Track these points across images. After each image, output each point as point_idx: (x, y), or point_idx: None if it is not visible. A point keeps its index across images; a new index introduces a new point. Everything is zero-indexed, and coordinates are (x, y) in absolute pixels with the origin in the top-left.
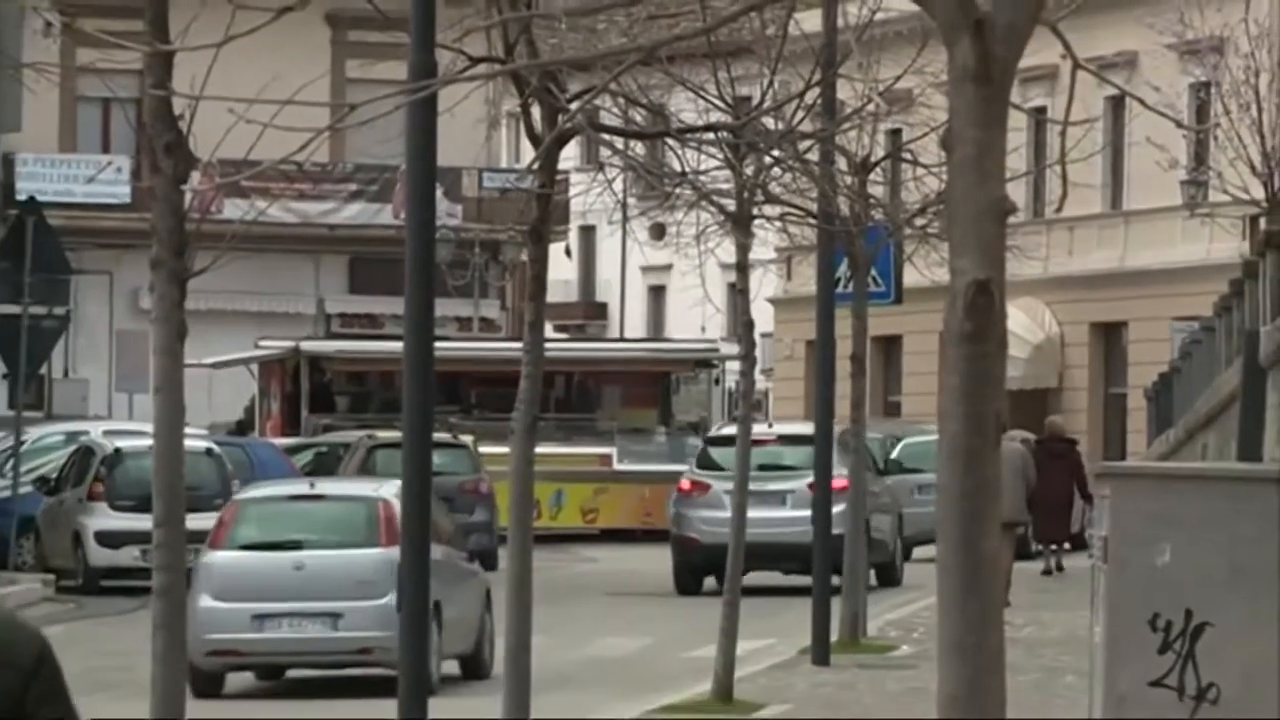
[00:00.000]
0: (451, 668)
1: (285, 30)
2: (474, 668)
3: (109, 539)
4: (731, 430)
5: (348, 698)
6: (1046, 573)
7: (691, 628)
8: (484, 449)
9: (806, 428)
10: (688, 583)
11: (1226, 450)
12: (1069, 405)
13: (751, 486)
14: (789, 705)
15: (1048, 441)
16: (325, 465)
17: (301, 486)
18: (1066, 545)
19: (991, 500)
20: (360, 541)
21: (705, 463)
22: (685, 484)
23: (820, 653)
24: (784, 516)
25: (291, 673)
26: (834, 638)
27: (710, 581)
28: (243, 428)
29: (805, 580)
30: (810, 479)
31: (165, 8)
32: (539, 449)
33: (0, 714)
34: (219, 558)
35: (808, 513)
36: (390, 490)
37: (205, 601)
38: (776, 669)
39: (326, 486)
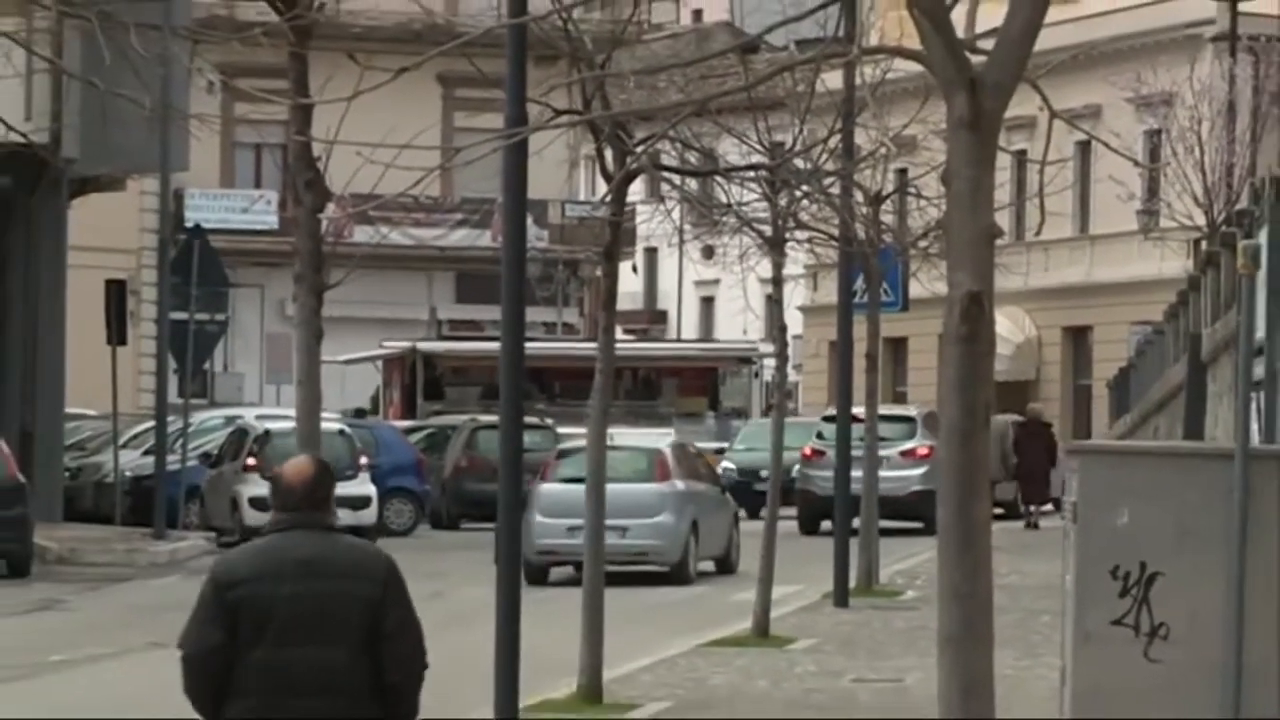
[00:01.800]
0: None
1: (403, 87)
2: (725, 566)
3: (260, 503)
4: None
5: (632, 585)
6: (1028, 527)
7: (736, 579)
8: (564, 430)
9: (895, 409)
10: (810, 525)
11: (1174, 431)
12: (1045, 394)
13: (855, 453)
14: (816, 639)
15: (1029, 424)
16: (436, 444)
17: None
18: (1048, 506)
19: (983, 473)
20: (643, 478)
21: (820, 435)
22: (808, 450)
23: (841, 596)
24: (881, 477)
25: None
26: (852, 585)
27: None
28: (360, 413)
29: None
30: (900, 447)
31: (305, 70)
32: (610, 430)
33: (366, 611)
34: (546, 488)
35: (899, 472)
36: (665, 443)
37: (536, 518)
38: (804, 610)
39: (622, 439)
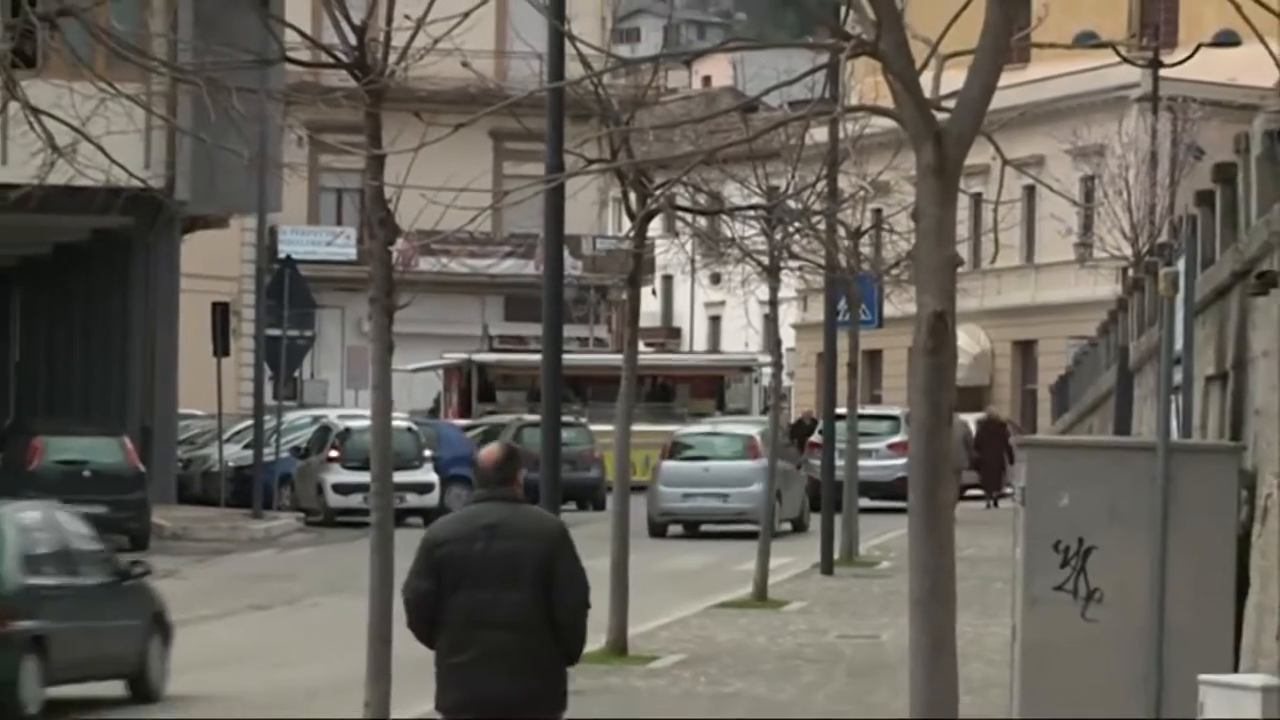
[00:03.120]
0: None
1: (460, 140)
2: (799, 526)
3: (341, 489)
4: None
5: (727, 540)
6: (987, 508)
7: (739, 551)
8: (596, 427)
9: (882, 409)
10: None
11: (1106, 428)
12: (997, 398)
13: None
14: (806, 602)
15: (989, 423)
16: (488, 439)
17: (708, 427)
18: (1008, 490)
19: (946, 462)
20: (739, 456)
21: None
22: (811, 444)
23: (827, 566)
24: (871, 465)
25: (703, 527)
26: (836, 556)
27: None
28: (412, 414)
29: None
30: (888, 441)
31: (379, 126)
32: (634, 427)
33: (540, 563)
34: (667, 464)
35: (886, 462)
36: (756, 430)
37: (660, 487)
38: (797, 578)
39: (722, 427)
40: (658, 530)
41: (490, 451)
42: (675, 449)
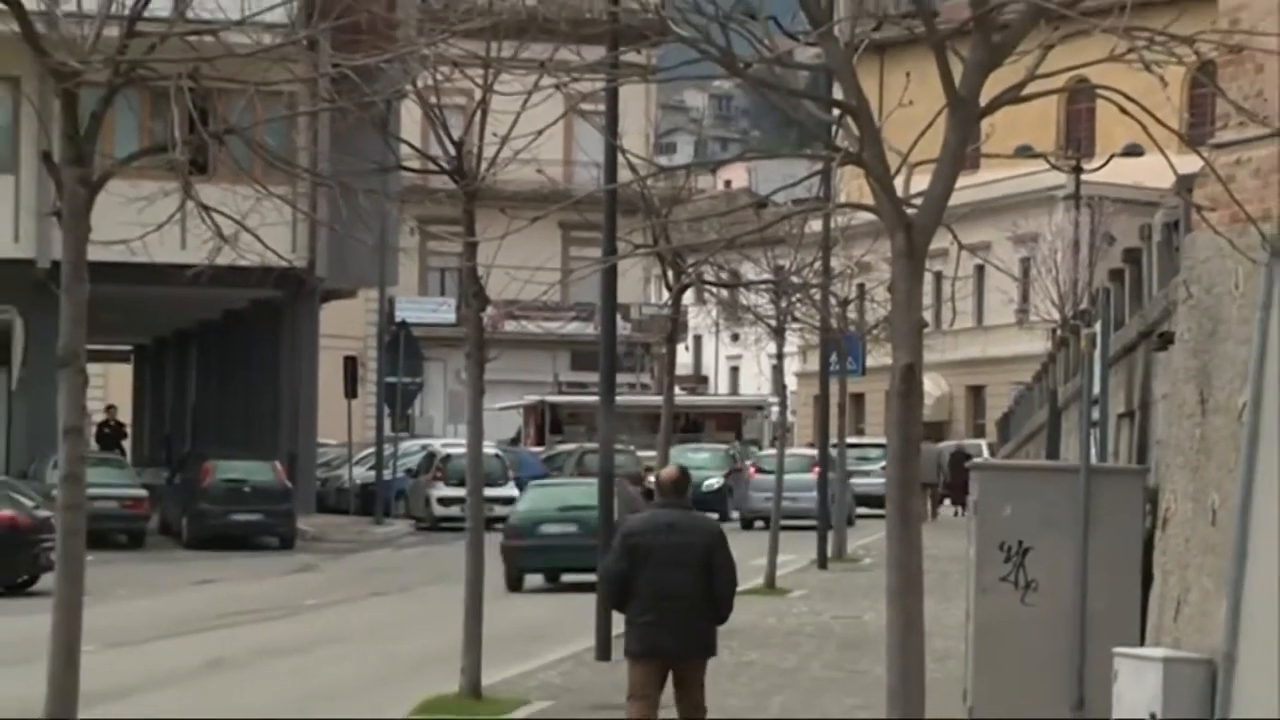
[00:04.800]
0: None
1: (536, 230)
2: (849, 522)
3: (444, 501)
4: (856, 439)
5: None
6: (955, 515)
7: (748, 550)
8: (642, 453)
9: (879, 439)
10: None
11: (1040, 454)
12: (955, 431)
13: (852, 466)
14: (806, 590)
15: (958, 453)
16: (557, 463)
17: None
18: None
19: (915, 481)
20: (804, 470)
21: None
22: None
23: (821, 562)
24: (868, 482)
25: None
26: (829, 555)
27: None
28: (498, 444)
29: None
30: (882, 463)
31: (473, 219)
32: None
33: (703, 552)
34: (753, 478)
35: (879, 480)
36: (814, 452)
37: (750, 493)
38: (798, 571)
39: (791, 450)
40: (747, 524)
41: (670, 472)
42: (758, 466)
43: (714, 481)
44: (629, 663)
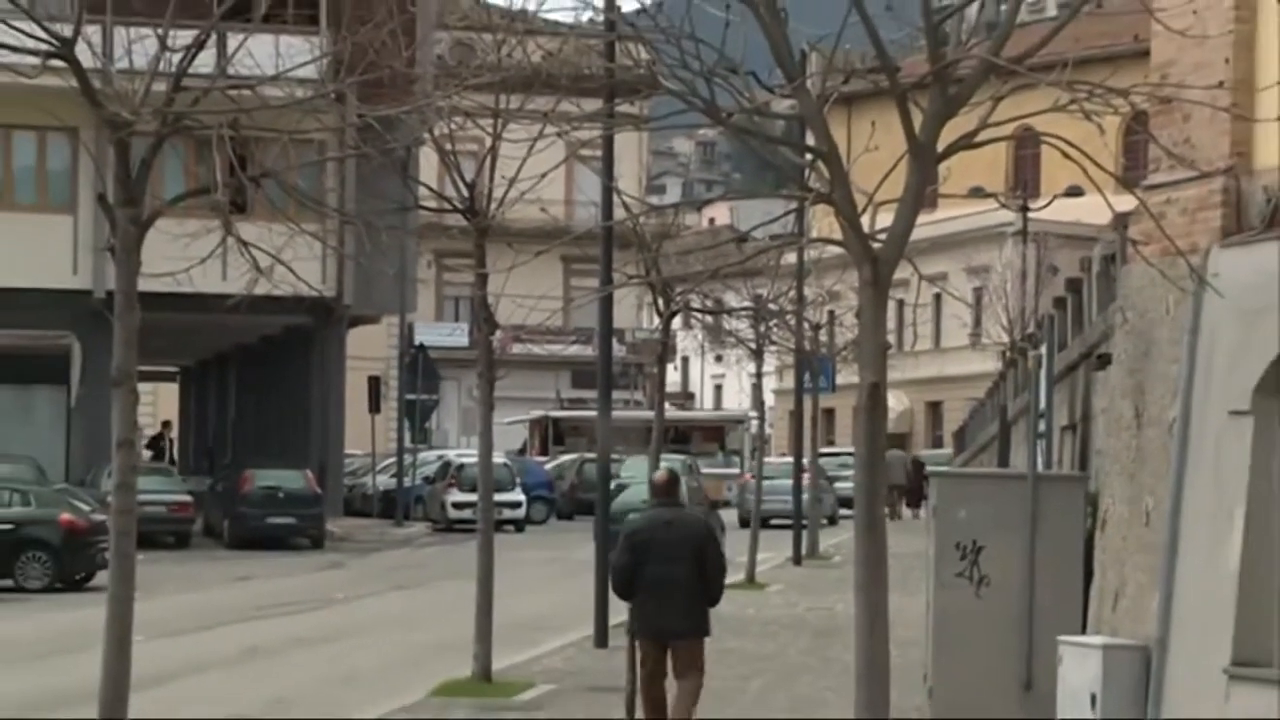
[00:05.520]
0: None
1: (540, 263)
2: (832, 521)
3: (457, 505)
4: (834, 449)
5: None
6: (914, 518)
7: (732, 550)
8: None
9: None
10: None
11: (992, 463)
12: (915, 442)
13: (833, 472)
14: (782, 585)
15: (915, 461)
16: (560, 471)
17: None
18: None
19: (880, 487)
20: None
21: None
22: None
23: (796, 560)
24: (847, 486)
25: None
26: (803, 553)
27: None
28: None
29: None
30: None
31: (484, 253)
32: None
33: (696, 545)
34: (767, 483)
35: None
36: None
37: (744, 494)
38: (775, 568)
39: (778, 459)
40: (744, 523)
41: (661, 476)
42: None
43: None
44: (638, 641)
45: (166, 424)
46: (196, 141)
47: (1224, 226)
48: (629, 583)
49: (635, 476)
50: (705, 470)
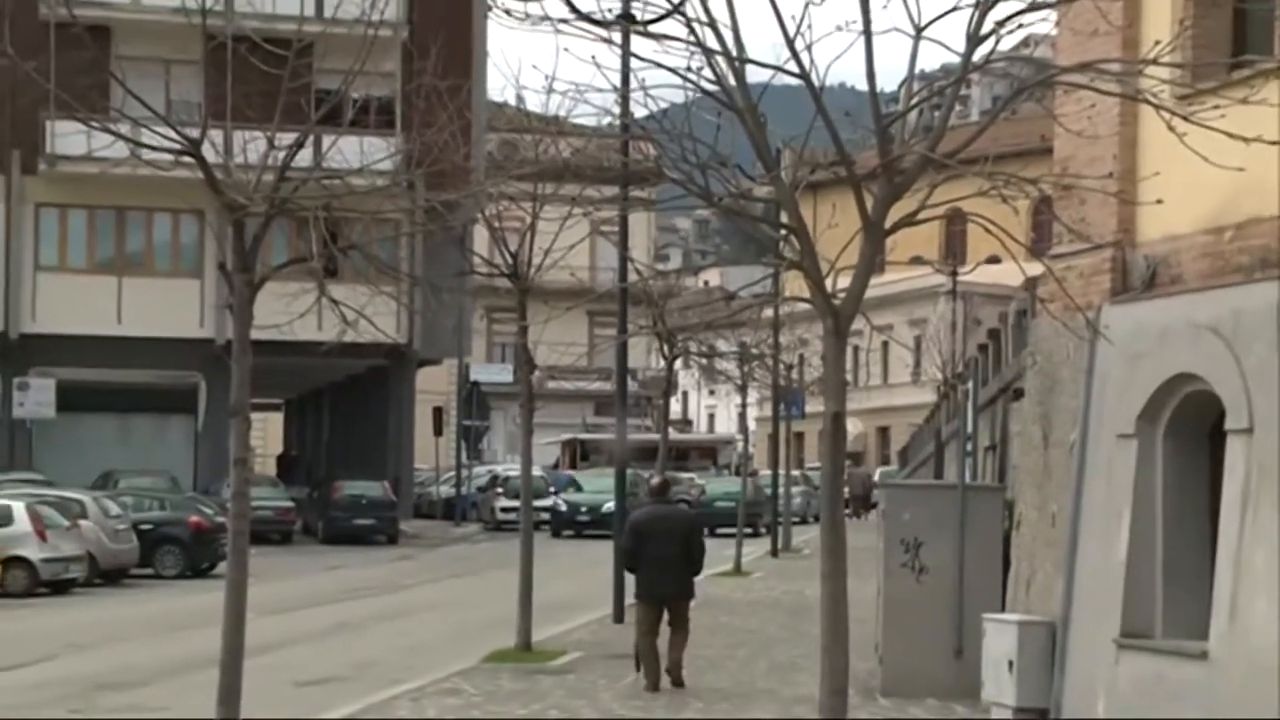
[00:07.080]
0: None
1: (570, 316)
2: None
3: (504, 510)
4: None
5: (722, 539)
6: (867, 518)
7: (721, 543)
8: (644, 473)
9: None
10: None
11: (930, 475)
12: (869, 459)
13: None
14: (762, 573)
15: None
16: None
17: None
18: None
19: (839, 497)
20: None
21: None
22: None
23: (774, 553)
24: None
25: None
26: (780, 547)
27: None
28: (543, 468)
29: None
30: None
31: (525, 308)
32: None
33: (685, 533)
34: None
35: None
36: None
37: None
38: (756, 559)
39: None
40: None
41: (658, 480)
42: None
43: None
44: (639, 604)
45: (290, 450)
46: (297, 221)
47: (1113, 288)
48: (633, 560)
49: (597, 486)
50: (698, 481)
